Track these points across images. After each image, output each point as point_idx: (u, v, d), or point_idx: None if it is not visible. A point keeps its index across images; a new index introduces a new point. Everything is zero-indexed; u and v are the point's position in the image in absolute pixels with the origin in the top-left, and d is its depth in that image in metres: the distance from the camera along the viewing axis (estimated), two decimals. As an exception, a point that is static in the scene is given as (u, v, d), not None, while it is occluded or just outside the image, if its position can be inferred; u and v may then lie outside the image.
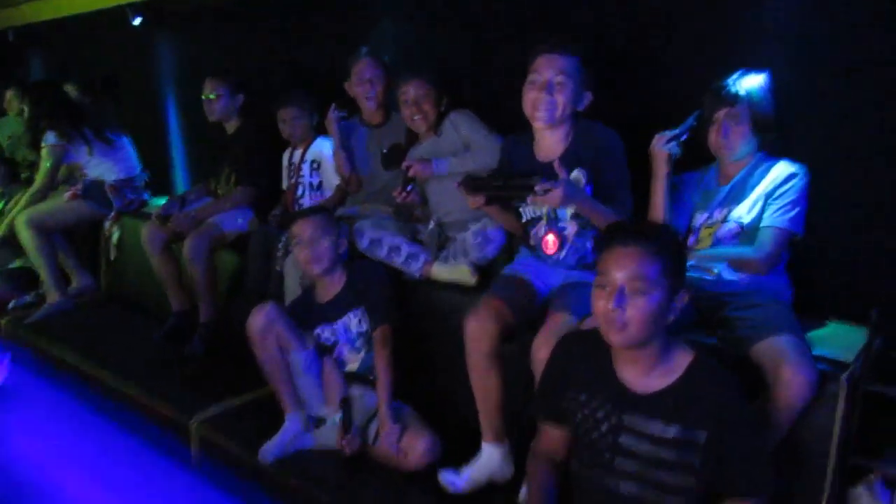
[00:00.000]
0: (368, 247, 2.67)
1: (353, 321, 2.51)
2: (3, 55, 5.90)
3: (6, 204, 4.27)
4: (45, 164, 3.93)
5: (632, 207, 2.17)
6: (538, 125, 2.19)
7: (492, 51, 2.88)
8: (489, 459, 2.15)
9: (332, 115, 3.00)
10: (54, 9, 4.84)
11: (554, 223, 2.23)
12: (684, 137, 2.07)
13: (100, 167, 3.97)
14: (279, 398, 2.48)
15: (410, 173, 2.61)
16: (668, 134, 2.07)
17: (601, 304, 1.54)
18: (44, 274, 3.94)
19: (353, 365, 2.52)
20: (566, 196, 2.01)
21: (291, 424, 2.43)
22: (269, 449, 2.35)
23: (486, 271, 2.55)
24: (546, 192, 2.00)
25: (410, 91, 2.67)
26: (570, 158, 2.16)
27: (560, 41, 2.13)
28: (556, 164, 2.08)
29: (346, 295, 2.53)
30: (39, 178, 3.96)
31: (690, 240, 2.14)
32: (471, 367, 2.13)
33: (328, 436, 2.40)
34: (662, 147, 2.07)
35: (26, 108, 4.04)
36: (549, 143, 2.22)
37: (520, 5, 2.76)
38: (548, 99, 2.12)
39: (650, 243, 1.51)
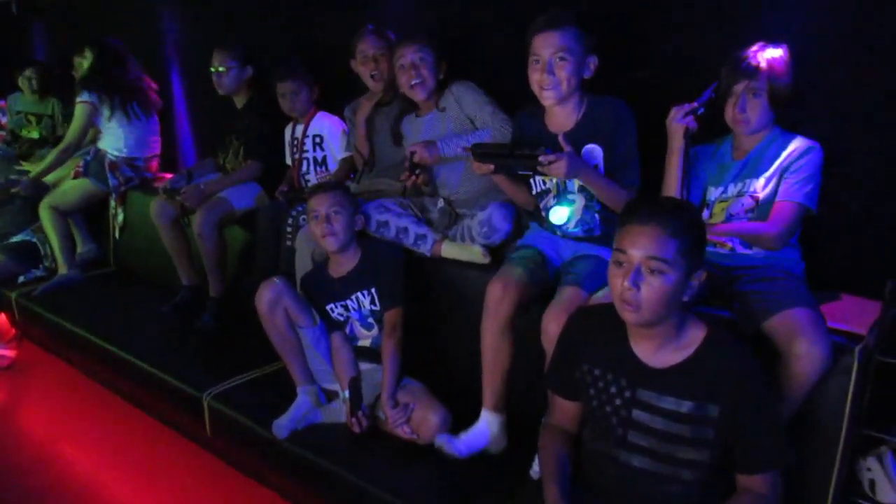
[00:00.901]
0: (376, 230, 2.64)
1: (366, 300, 2.50)
2: (7, 28, 5.86)
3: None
4: (76, 121, 3.93)
5: (639, 183, 2.16)
6: (547, 104, 2.19)
7: (492, 24, 2.83)
8: (488, 426, 2.17)
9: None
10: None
11: (563, 195, 2.23)
12: (701, 111, 2.04)
13: (110, 137, 3.96)
14: (290, 372, 2.50)
15: (415, 159, 2.54)
16: (686, 107, 2.04)
17: (617, 282, 1.53)
18: (56, 250, 3.98)
19: (365, 341, 2.52)
20: (570, 167, 2.01)
21: (303, 399, 2.45)
22: (283, 423, 2.37)
23: (497, 250, 2.53)
24: (551, 163, 2.00)
25: (407, 55, 2.58)
26: (584, 132, 2.15)
27: (552, 17, 2.11)
28: (560, 138, 2.08)
29: (360, 273, 2.52)
30: (69, 135, 3.97)
31: (704, 214, 2.13)
32: (485, 333, 2.14)
33: (339, 411, 2.42)
34: (679, 121, 2.04)
35: (89, 59, 4.00)
36: (561, 116, 2.21)
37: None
38: (551, 78, 2.11)
39: (669, 222, 1.49)
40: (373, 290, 2.49)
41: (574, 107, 2.19)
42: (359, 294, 2.50)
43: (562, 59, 2.10)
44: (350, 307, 2.52)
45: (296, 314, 2.46)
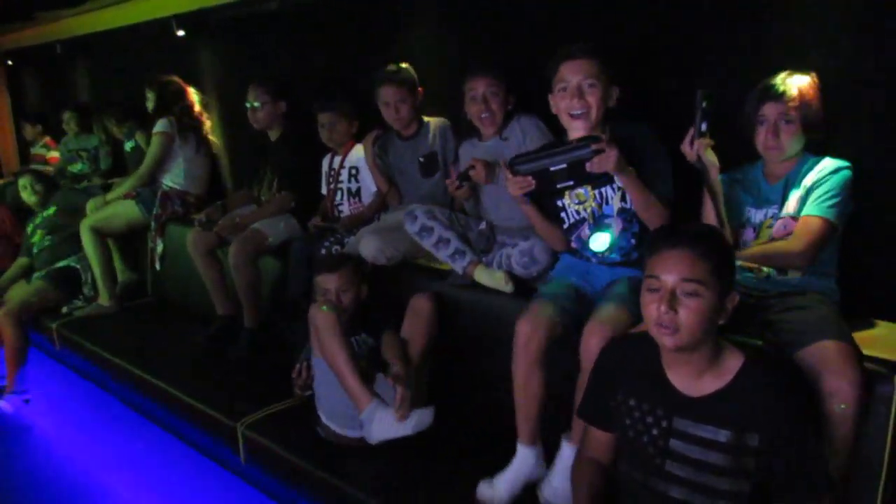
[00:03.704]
0: (418, 232, 2.66)
1: (359, 343, 2.58)
2: (52, 67, 6.08)
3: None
4: (152, 151, 4.05)
5: (672, 196, 2.16)
6: (576, 134, 2.19)
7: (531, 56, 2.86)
8: (524, 462, 2.15)
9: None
10: (100, 21, 4.98)
11: (600, 221, 2.24)
12: (704, 127, 1.95)
13: (174, 168, 4.09)
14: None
15: (472, 173, 2.53)
16: (689, 136, 1.98)
17: (652, 307, 1.53)
18: (98, 276, 4.07)
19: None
20: (619, 159, 2.00)
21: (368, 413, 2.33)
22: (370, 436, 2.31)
23: (522, 280, 2.53)
24: (600, 152, 1.98)
25: (479, 88, 2.60)
26: None
27: (580, 47, 2.15)
28: (605, 139, 2.03)
29: (358, 328, 2.60)
30: (144, 165, 4.07)
31: (749, 234, 2.10)
32: (516, 371, 2.13)
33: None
34: (687, 149, 2.00)
35: (151, 100, 4.19)
36: None
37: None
38: (581, 103, 2.14)
39: (698, 244, 1.51)
40: (368, 340, 2.60)
41: (599, 131, 2.19)
42: (354, 339, 2.56)
43: (591, 85, 2.13)
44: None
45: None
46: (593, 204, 2.24)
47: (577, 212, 2.27)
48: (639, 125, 2.19)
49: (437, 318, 2.57)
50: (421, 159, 2.95)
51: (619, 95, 2.19)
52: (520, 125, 2.64)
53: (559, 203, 2.30)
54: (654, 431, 1.61)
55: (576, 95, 2.14)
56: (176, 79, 4.16)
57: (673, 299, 1.50)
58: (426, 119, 3.05)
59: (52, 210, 4.39)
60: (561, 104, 2.18)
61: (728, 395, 1.54)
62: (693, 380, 1.58)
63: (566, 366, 2.07)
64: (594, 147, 2.01)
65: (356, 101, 3.31)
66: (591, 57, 2.13)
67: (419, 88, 2.97)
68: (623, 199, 2.21)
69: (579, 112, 2.15)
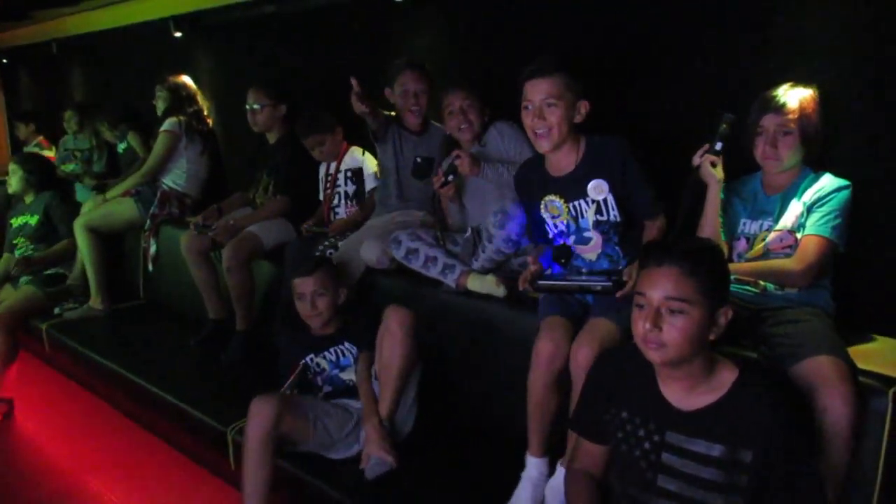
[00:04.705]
0: (405, 256, 2.69)
1: (344, 352, 2.58)
2: (47, 66, 6.06)
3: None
4: (157, 149, 4.04)
5: (657, 201, 2.19)
6: (543, 151, 2.23)
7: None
8: (537, 472, 2.14)
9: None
10: (97, 21, 4.96)
11: (579, 236, 2.25)
12: (719, 146, 2.05)
13: (176, 169, 4.08)
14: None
15: (457, 162, 2.55)
16: (702, 150, 2.07)
17: (640, 324, 1.54)
18: (91, 278, 4.04)
19: (350, 376, 2.57)
20: None
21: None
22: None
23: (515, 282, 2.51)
24: (621, 285, 1.99)
25: (456, 102, 2.71)
26: (587, 170, 2.19)
27: (541, 65, 2.15)
28: (626, 274, 2.03)
29: (340, 336, 2.59)
30: (149, 162, 4.07)
31: (742, 244, 2.11)
32: (533, 387, 2.10)
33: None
34: (697, 160, 2.06)
35: (163, 99, 4.16)
36: (559, 160, 2.25)
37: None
38: (542, 123, 2.16)
39: (685, 262, 1.50)
40: (352, 348, 2.57)
41: (570, 149, 2.22)
42: (337, 348, 2.58)
43: (550, 105, 2.14)
44: (327, 358, 2.59)
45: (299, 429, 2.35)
46: (568, 217, 2.25)
47: (555, 225, 2.29)
48: (615, 139, 2.20)
49: (415, 338, 2.39)
50: (418, 159, 2.94)
51: (590, 110, 2.18)
52: (496, 129, 2.72)
53: (541, 216, 2.32)
54: (646, 445, 1.60)
55: (537, 115, 2.15)
56: (188, 81, 4.16)
57: (658, 317, 1.50)
58: (433, 122, 3.07)
59: (35, 219, 4.24)
60: (525, 121, 2.21)
61: (721, 409, 1.54)
62: (686, 393, 1.58)
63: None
64: (614, 279, 2.02)
65: (333, 110, 3.32)
66: (550, 76, 2.13)
67: (434, 84, 2.99)
68: (598, 211, 2.21)
69: (541, 131, 2.17)
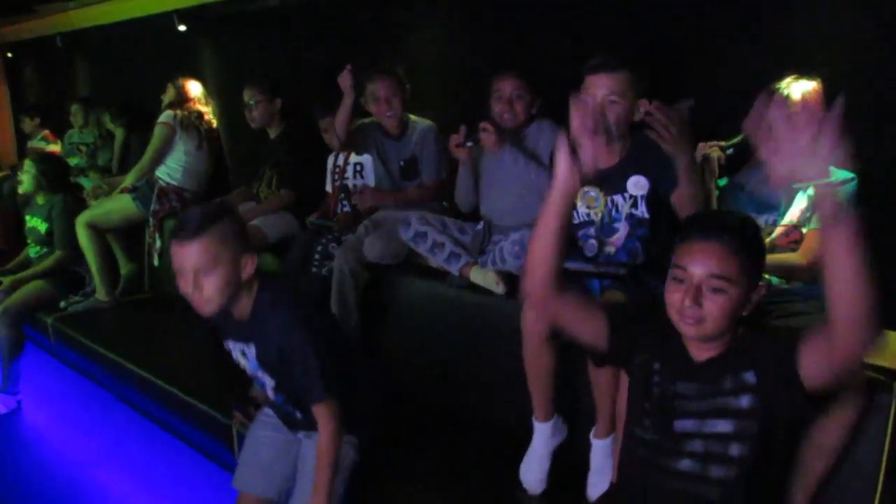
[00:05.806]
0: (412, 238, 2.70)
1: (251, 353, 2.00)
2: (52, 60, 6.07)
3: None
4: (153, 142, 4.04)
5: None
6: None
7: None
8: (544, 436, 2.15)
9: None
10: (102, 15, 4.96)
11: (607, 227, 2.22)
12: (730, 151, 2.08)
13: (169, 163, 4.07)
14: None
15: (482, 135, 2.51)
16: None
17: (676, 297, 1.48)
18: (95, 272, 4.05)
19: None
20: None
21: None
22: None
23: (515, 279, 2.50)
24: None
25: (506, 88, 2.60)
26: (629, 165, 2.14)
27: (607, 59, 2.09)
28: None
29: (250, 328, 1.94)
30: (145, 157, 4.06)
31: None
32: (527, 352, 2.10)
33: None
34: (702, 146, 2.08)
35: (167, 95, 4.16)
36: (605, 153, 2.16)
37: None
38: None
39: (732, 239, 1.44)
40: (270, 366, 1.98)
41: (620, 146, 2.17)
42: (244, 347, 2.00)
43: (612, 101, 2.08)
44: (247, 355, 2.01)
45: None
46: (603, 210, 2.22)
47: (588, 214, 2.25)
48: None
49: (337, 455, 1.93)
50: (401, 163, 2.94)
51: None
52: (538, 125, 2.65)
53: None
54: (660, 389, 1.57)
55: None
56: (195, 84, 4.16)
57: (698, 293, 1.45)
58: (413, 118, 3.06)
59: (44, 227, 4.21)
60: None
61: (729, 353, 1.51)
62: (706, 353, 1.54)
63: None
64: (626, 271, 2.04)
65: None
66: (615, 71, 2.07)
67: (406, 86, 2.98)
68: (634, 205, 2.18)
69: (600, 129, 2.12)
